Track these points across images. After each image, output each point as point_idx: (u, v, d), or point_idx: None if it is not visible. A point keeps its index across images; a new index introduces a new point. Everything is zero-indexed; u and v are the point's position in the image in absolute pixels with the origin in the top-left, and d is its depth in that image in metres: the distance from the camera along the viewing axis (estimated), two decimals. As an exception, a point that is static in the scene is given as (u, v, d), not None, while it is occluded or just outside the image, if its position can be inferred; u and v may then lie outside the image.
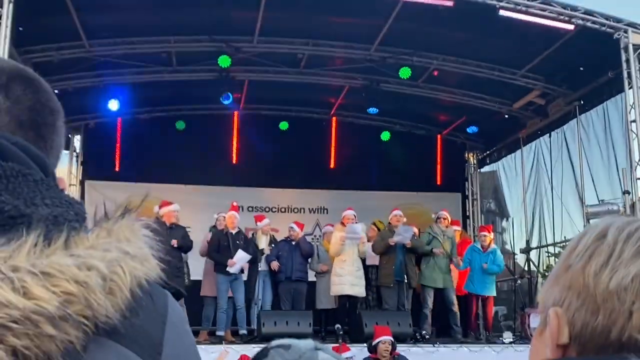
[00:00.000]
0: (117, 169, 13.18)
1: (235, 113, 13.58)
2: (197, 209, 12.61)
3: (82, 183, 13.34)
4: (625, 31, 9.68)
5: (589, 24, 9.69)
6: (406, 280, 9.94)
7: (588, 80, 11.32)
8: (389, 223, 10.28)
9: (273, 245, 10.24)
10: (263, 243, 10.14)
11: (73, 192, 13.31)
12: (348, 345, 8.37)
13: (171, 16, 9.97)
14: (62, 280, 0.61)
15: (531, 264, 13.07)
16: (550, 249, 13.50)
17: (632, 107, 9.79)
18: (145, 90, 12.45)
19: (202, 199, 13.00)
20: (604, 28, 9.72)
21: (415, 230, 10.61)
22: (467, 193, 15.08)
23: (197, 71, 11.90)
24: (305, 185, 13.75)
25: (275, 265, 9.98)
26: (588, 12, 9.70)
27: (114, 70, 11.62)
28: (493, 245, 10.44)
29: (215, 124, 13.42)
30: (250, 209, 12.96)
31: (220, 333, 9.66)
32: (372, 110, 12.78)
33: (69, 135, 13.50)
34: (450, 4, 9.15)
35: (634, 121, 9.81)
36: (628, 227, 0.74)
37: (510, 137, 14.12)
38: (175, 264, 8.91)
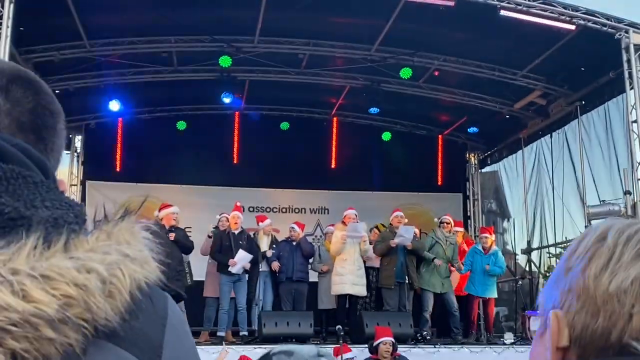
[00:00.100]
0: (118, 169, 13.19)
1: (236, 113, 13.60)
2: (198, 209, 12.62)
3: (83, 183, 13.34)
4: (627, 31, 9.67)
5: (590, 24, 9.69)
6: (408, 282, 9.93)
7: (589, 80, 11.31)
8: (390, 224, 10.28)
9: (274, 246, 10.24)
10: (264, 244, 10.14)
11: (74, 192, 13.34)
12: (349, 346, 8.36)
13: (172, 16, 9.98)
14: (61, 283, 0.61)
15: (532, 264, 13.07)
16: (552, 249, 13.48)
17: (633, 107, 9.78)
18: (146, 91, 12.47)
19: (202, 199, 13.01)
20: (605, 28, 9.71)
21: (416, 230, 10.61)
22: (468, 193, 15.07)
23: (198, 71, 11.91)
24: (306, 186, 13.75)
25: (275, 265, 9.98)
26: (589, 12, 9.70)
27: (115, 71, 11.63)
28: (494, 247, 10.42)
29: (216, 124, 13.43)
30: (251, 209, 12.96)
31: (221, 333, 9.66)
32: (373, 110, 12.79)
33: (70, 136, 13.51)
34: (451, 4, 9.14)
35: (635, 121, 9.81)
36: (628, 229, 0.74)
37: (511, 137, 14.12)
38: (175, 266, 8.90)
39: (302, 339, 8.96)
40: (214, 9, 9.98)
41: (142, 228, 0.73)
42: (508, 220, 16.73)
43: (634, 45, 9.64)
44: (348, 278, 9.68)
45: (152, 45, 10.93)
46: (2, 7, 8.27)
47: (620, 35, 9.68)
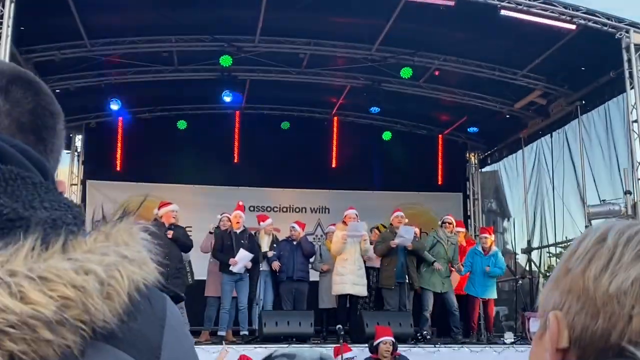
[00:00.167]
0: (118, 168, 13.19)
1: (237, 113, 13.60)
2: (199, 208, 12.63)
3: (83, 183, 13.34)
4: (627, 31, 9.66)
5: (590, 23, 9.68)
6: (408, 282, 9.93)
7: (589, 80, 11.30)
8: (391, 224, 10.28)
9: (275, 245, 10.24)
10: (265, 243, 10.14)
11: (74, 191, 13.34)
12: (349, 345, 8.36)
13: (172, 16, 9.97)
14: (59, 285, 0.61)
15: (532, 264, 13.07)
16: (552, 249, 13.48)
17: (633, 107, 9.78)
18: (146, 90, 12.47)
19: (203, 199, 13.02)
20: (605, 28, 9.71)
21: (417, 230, 10.61)
22: (468, 193, 15.07)
23: (199, 71, 11.91)
24: (306, 185, 13.75)
25: (276, 265, 9.98)
26: (589, 12, 9.69)
27: (116, 70, 11.64)
28: (494, 248, 10.42)
29: (217, 123, 13.43)
30: (251, 208, 12.95)
31: (221, 333, 9.66)
32: (374, 109, 12.77)
33: (70, 135, 13.52)
34: (451, 3, 9.14)
35: (636, 121, 9.80)
36: (628, 230, 0.74)
37: (511, 137, 14.11)
38: (175, 264, 8.91)
39: (302, 339, 8.97)
40: (214, 8, 9.98)
41: (141, 229, 0.73)
42: (508, 219, 16.73)
43: (635, 45, 9.64)
44: (348, 278, 9.68)
45: (152, 44, 10.93)
46: (3, 7, 8.27)
47: (620, 34, 9.67)
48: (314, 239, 12.86)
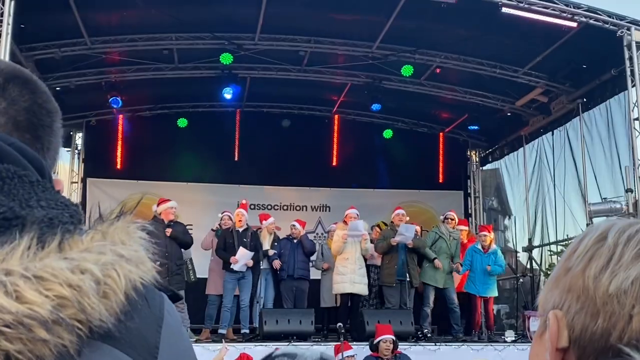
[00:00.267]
0: (118, 166, 13.19)
1: (237, 111, 13.59)
2: (199, 206, 12.65)
3: (83, 181, 13.34)
4: (629, 29, 9.65)
5: (592, 21, 9.67)
6: (408, 279, 9.93)
7: (591, 78, 11.29)
8: (392, 222, 10.29)
9: (276, 244, 10.25)
10: (267, 242, 10.15)
11: (74, 189, 13.35)
12: (350, 343, 8.36)
13: (173, 13, 9.97)
14: (55, 284, 0.61)
15: (533, 262, 13.06)
16: (553, 247, 13.48)
17: (635, 105, 9.77)
18: (147, 88, 12.48)
19: (203, 197, 13.03)
20: (607, 25, 9.69)
21: (417, 228, 10.61)
22: (469, 191, 15.06)
23: (199, 68, 11.91)
24: (307, 183, 13.75)
25: (277, 263, 9.99)
26: (591, 10, 9.68)
27: (116, 68, 11.64)
28: (494, 246, 10.41)
29: (217, 121, 13.42)
30: (252, 206, 12.94)
31: (222, 331, 9.67)
32: (376, 106, 12.74)
33: (71, 133, 13.53)
34: (452, 0, 9.12)
35: (637, 119, 9.79)
36: (629, 229, 0.74)
37: (512, 135, 14.11)
38: (175, 261, 8.91)
39: (302, 337, 8.98)
40: (215, 6, 9.98)
41: (138, 228, 0.73)
42: (509, 217, 16.74)
43: (636, 42, 9.62)
44: (349, 277, 9.69)
45: (153, 42, 10.93)
46: (3, 5, 8.27)
47: (622, 32, 9.65)
48: (314, 237, 12.87)
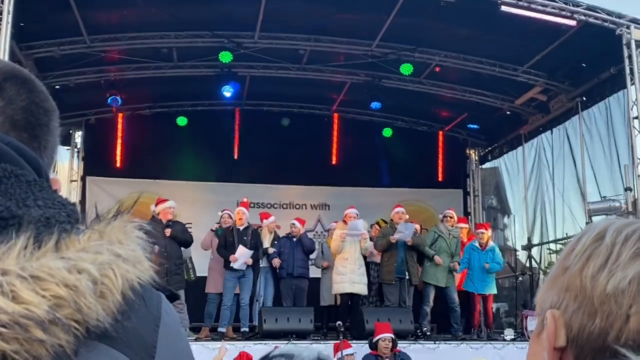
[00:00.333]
0: (118, 165, 13.18)
1: (237, 109, 13.58)
2: (198, 205, 12.64)
3: (83, 179, 13.33)
4: (628, 27, 9.64)
5: (591, 19, 9.66)
6: (407, 277, 9.94)
7: (590, 76, 11.29)
8: (391, 220, 10.29)
9: (276, 242, 10.25)
10: (267, 240, 10.15)
11: (74, 188, 13.34)
12: (349, 341, 8.37)
13: (172, 12, 9.96)
14: (51, 284, 0.61)
15: (533, 260, 13.07)
16: (552, 245, 13.48)
17: (634, 103, 9.77)
18: (146, 86, 12.47)
19: (203, 195, 13.03)
20: (606, 24, 9.69)
21: (417, 226, 10.61)
22: (468, 189, 15.06)
23: (199, 67, 11.90)
24: (306, 182, 13.75)
25: (276, 262, 9.99)
26: (590, 8, 9.67)
27: (115, 66, 11.63)
28: (491, 243, 10.42)
29: (217, 119, 13.42)
30: (251, 205, 12.92)
31: (222, 329, 9.68)
32: (375, 104, 12.73)
33: (70, 131, 13.51)
34: (452, -1, 9.12)
35: (636, 117, 9.79)
36: (626, 229, 0.74)
37: (512, 133, 14.11)
38: (174, 261, 8.90)
39: (302, 335, 8.98)
40: (214, 4, 9.97)
41: (136, 227, 0.73)
42: (508, 216, 16.74)
43: (635, 41, 9.62)
44: (348, 277, 9.69)
45: (152, 40, 10.91)
46: (2, 3, 8.26)
47: (621, 31, 9.65)
48: (314, 235, 12.87)
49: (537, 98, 12.51)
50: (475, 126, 14.26)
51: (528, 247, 13.35)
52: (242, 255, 9.48)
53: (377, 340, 7.92)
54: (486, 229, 10.59)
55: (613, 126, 11.38)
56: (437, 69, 11.95)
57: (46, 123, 0.84)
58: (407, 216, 10.32)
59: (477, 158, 15.36)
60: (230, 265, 9.48)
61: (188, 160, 13.02)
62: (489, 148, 15.29)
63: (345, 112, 14.20)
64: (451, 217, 10.55)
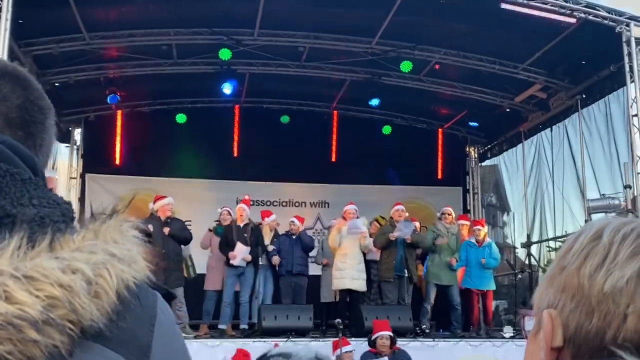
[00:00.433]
0: (117, 162, 13.17)
1: (236, 106, 13.57)
2: (198, 202, 12.64)
3: (82, 176, 13.32)
4: (628, 24, 9.63)
5: (591, 17, 9.65)
6: (407, 275, 9.94)
7: (590, 74, 11.28)
8: (391, 217, 10.28)
9: (275, 240, 10.26)
10: (267, 238, 10.15)
11: (73, 185, 13.34)
12: (348, 339, 8.37)
13: (171, 9, 9.94)
14: (45, 284, 0.60)
15: (532, 258, 13.07)
16: (551, 243, 13.48)
17: (634, 101, 9.76)
18: (145, 83, 12.45)
19: (202, 193, 13.02)
20: (606, 21, 9.68)
21: (417, 224, 10.60)
22: (468, 187, 15.07)
23: (198, 64, 11.88)
24: (306, 179, 13.75)
25: (276, 260, 10.00)
26: (590, 5, 9.66)
27: (114, 63, 11.61)
28: (488, 239, 10.42)
29: (216, 117, 13.41)
30: (251, 202, 12.95)
31: (222, 326, 9.69)
32: (375, 102, 12.72)
33: (70, 128, 13.51)
34: (451, -4, 9.11)
35: (636, 115, 9.78)
36: (624, 228, 0.73)
37: (511, 131, 14.09)
38: (173, 259, 8.90)
39: (301, 333, 8.98)
40: (213, 1, 9.95)
41: (131, 226, 0.72)
42: (508, 213, 16.73)
43: (635, 38, 9.61)
44: (348, 273, 9.69)
45: (151, 37, 10.90)
46: (1, 0, 8.24)
47: (621, 28, 9.64)
48: (313, 233, 12.87)
49: (536, 95, 12.50)
50: (475, 124, 14.24)
51: (527, 245, 13.35)
52: (240, 253, 9.49)
53: (376, 338, 7.93)
54: (482, 226, 10.59)
55: (613, 124, 11.38)
56: (437, 67, 11.93)
57: (41, 121, 0.84)
58: (407, 214, 10.32)
59: (476, 155, 15.35)
60: (230, 262, 9.48)
61: (187, 158, 13.01)
62: (489, 145, 15.29)
63: (344, 109, 14.19)
64: (449, 214, 10.54)
